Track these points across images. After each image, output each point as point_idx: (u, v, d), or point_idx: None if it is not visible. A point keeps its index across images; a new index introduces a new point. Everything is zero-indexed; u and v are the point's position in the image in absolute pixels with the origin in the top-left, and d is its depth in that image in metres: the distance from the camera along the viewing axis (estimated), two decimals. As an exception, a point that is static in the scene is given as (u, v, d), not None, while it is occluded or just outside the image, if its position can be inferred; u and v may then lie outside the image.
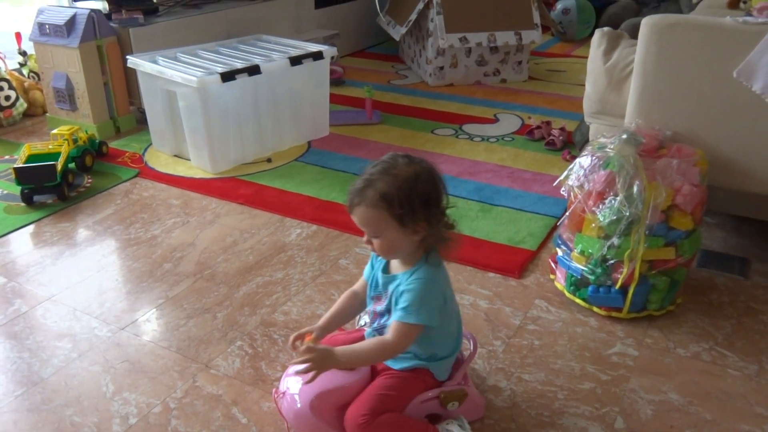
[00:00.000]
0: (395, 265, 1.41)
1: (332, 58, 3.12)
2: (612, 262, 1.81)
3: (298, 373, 1.36)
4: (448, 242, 1.36)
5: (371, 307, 1.47)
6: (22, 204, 2.56)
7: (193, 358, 1.72)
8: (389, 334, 1.35)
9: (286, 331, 1.81)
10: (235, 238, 2.30)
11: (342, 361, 1.34)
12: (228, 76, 2.67)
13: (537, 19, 3.94)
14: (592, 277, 1.85)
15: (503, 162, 2.90)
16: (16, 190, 2.58)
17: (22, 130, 3.36)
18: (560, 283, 1.97)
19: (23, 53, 3.67)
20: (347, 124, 3.32)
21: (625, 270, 1.79)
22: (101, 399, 1.60)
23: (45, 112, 3.44)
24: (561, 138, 3.05)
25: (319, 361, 1.31)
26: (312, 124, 3.12)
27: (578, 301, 1.91)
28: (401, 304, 1.33)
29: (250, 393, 1.60)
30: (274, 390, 1.45)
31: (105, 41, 3.16)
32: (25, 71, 3.67)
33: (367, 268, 1.49)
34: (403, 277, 1.36)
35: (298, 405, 1.37)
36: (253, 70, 2.76)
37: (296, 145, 3.08)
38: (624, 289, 1.82)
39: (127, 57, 2.95)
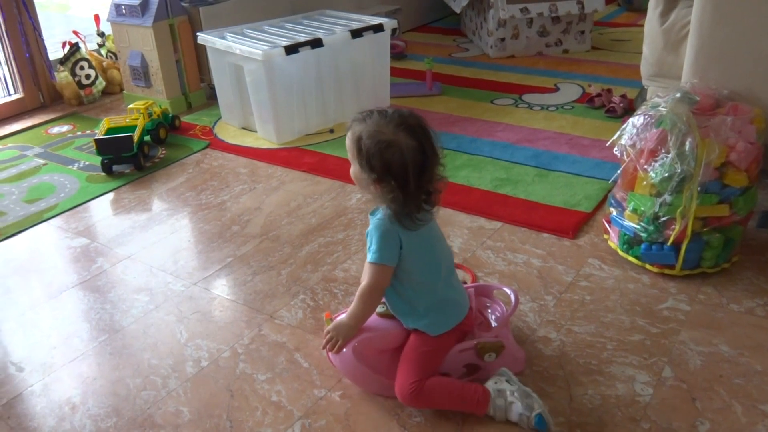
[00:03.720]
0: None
1: (393, 31, 3.19)
2: (664, 219, 1.83)
3: (330, 351, 1.50)
4: (411, 217, 1.39)
5: None
6: (103, 173, 2.74)
7: (258, 310, 1.84)
8: (364, 279, 1.46)
9: (345, 286, 1.91)
10: (299, 202, 2.41)
11: (350, 323, 1.48)
12: (291, 49, 2.78)
13: (600, -13, 3.89)
14: (644, 235, 1.87)
15: (562, 129, 2.91)
16: (98, 161, 2.76)
17: (102, 107, 3.56)
18: (613, 242, 2.00)
19: (101, 34, 3.87)
20: (408, 95, 3.39)
21: (677, 227, 1.80)
22: (176, 344, 1.73)
23: (122, 89, 3.64)
24: (622, 105, 3.03)
25: (337, 335, 1.48)
26: (373, 95, 3.20)
27: (631, 259, 1.94)
28: (367, 245, 1.45)
29: (311, 341, 1.70)
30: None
31: (177, 20, 3.31)
32: (103, 51, 3.87)
33: None
34: (371, 218, 1.45)
35: (343, 350, 1.47)
36: (316, 43, 2.86)
37: (358, 117, 3.16)
38: (677, 246, 1.83)
39: (197, 33, 3.09)
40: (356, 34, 2.99)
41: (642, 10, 5.03)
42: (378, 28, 3.05)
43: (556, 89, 3.42)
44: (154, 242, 2.22)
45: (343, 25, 3.11)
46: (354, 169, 1.42)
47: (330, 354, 1.52)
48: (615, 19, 4.79)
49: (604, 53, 3.99)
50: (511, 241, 2.10)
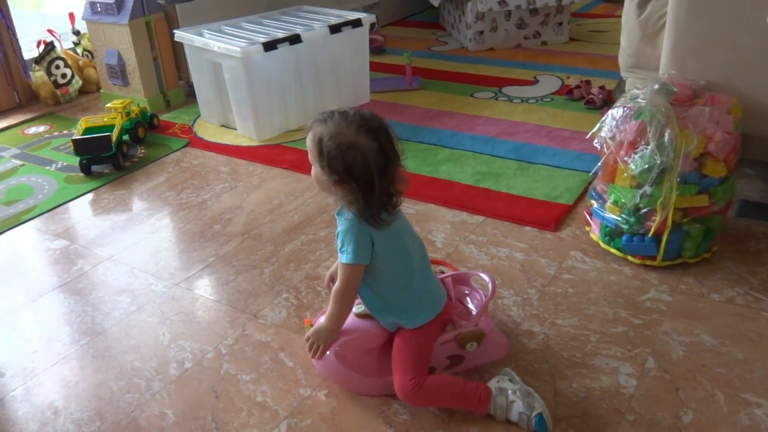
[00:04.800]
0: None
1: (372, 26, 3.18)
2: (645, 210, 1.84)
3: (313, 357, 1.51)
4: (374, 218, 1.38)
5: None
6: (81, 174, 2.71)
7: (242, 310, 1.83)
8: (337, 280, 1.46)
9: (329, 284, 1.91)
10: (281, 200, 2.39)
11: (329, 326, 1.48)
12: (270, 46, 2.76)
13: (577, -22, 3.91)
14: (625, 227, 1.88)
15: (542, 122, 2.92)
16: (76, 161, 2.73)
17: (79, 106, 3.52)
18: (595, 234, 2.01)
19: (77, 32, 3.82)
20: (388, 90, 3.39)
21: (658, 218, 1.82)
22: (159, 346, 1.72)
23: (99, 88, 3.60)
24: (600, 96, 3.05)
25: (318, 340, 1.49)
26: (353, 91, 3.20)
27: (613, 250, 1.95)
28: (338, 246, 1.44)
29: (296, 339, 1.70)
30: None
31: (153, 17, 3.28)
32: (79, 50, 3.82)
33: None
34: (339, 218, 1.45)
35: (327, 353, 1.47)
36: (294, 39, 2.84)
37: (338, 112, 3.15)
38: (658, 237, 1.85)
39: (174, 31, 3.06)
40: (335, 29, 2.97)
41: (619, 1, 5.09)
42: (356, 23, 3.04)
43: (536, 81, 3.43)
44: (135, 243, 2.20)
45: (321, 21, 3.09)
46: (315, 171, 1.41)
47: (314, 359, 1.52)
48: (592, 10, 4.82)
49: (582, 44, 4.01)
50: (494, 235, 2.10)
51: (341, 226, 1.42)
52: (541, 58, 3.80)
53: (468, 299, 1.65)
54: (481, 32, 3.95)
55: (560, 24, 4.02)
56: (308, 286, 1.91)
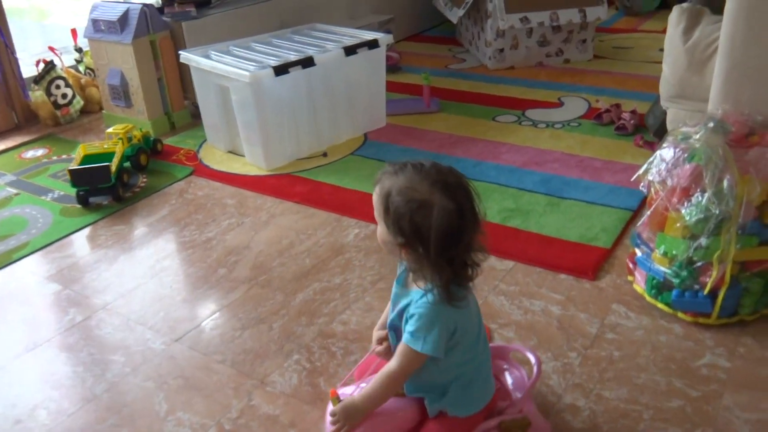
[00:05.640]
0: (410, 279, 1.28)
1: (388, 45, 3.00)
2: (699, 264, 1.65)
3: None
4: (445, 290, 1.18)
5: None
6: (78, 206, 2.54)
7: (248, 374, 1.64)
8: (394, 360, 1.25)
9: (345, 343, 1.72)
10: (291, 239, 2.21)
11: (364, 407, 1.27)
12: (281, 70, 2.58)
13: (603, -7, 3.72)
14: (676, 281, 1.69)
15: (570, 150, 2.73)
16: (73, 190, 2.55)
17: (80, 127, 3.35)
18: (640, 285, 1.82)
19: (79, 50, 3.66)
20: (405, 113, 3.20)
21: (714, 273, 1.62)
22: (155, 419, 1.53)
23: (101, 109, 3.43)
24: (632, 122, 2.85)
25: (347, 420, 1.26)
26: (368, 115, 3.01)
27: (660, 305, 1.75)
28: (409, 327, 1.22)
29: (308, 413, 1.51)
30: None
31: (158, 36, 3.11)
32: (81, 68, 3.66)
33: None
34: (416, 296, 1.23)
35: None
36: (307, 63, 2.66)
37: (353, 138, 2.97)
38: (713, 293, 1.65)
39: (180, 52, 2.89)
40: (350, 51, 2.79)
41: (641, 14, 4.89)
42: (373, 44, 2.86)
43: (561, 104, 3.24)
44: (133, 288, 2.02)
45: (335, 41, 2.91)
46: (380, 230, 1.22)
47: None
48: (614, 24, 4.61)
49: (608, 62, 3.81)
50: (526, 284, 1.91)
51: (420, 309, 1.20)
52: (565, 77, 3.60)
53: (507, 374, 1.46)
54: (501, 50, 3.76)
55: (584, 41, 3.82)
56: (321, 345, 1.72)
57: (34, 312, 1.96)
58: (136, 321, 1.87)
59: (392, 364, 1.25)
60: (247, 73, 2.50)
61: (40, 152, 3.10)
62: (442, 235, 1.13)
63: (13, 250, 2.29)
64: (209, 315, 1.87)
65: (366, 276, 1.98)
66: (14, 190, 2.73)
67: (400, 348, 1.24)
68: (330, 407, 1.30)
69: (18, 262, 2.21)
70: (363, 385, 1.31)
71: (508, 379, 1.45)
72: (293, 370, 1.64)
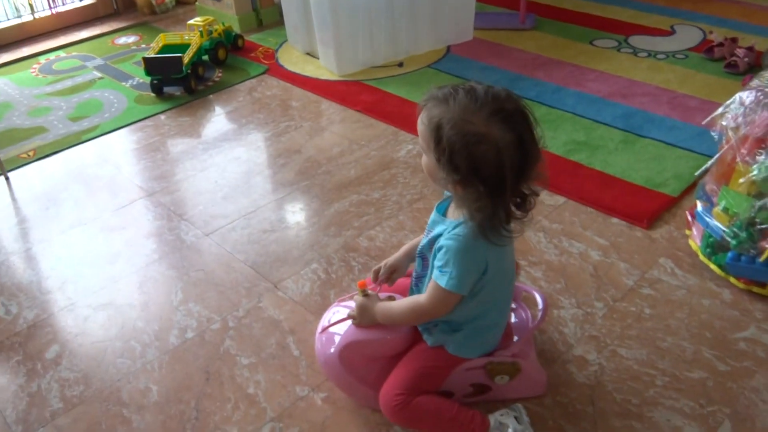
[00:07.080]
0: (452, 208, 1.18)
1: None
2: (762, 227, 1.46)
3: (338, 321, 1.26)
4: (497, 230, 1.07)
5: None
6: (152, 94, 2.59)
7: (264, 276, 1.64)
8: (425, 296, 1.16)
9: (365, 259, 1.68)
10: (343, 148, 2.16)
11: (379, 319, 1.21)
12: (360, -30, 2.46)
13: None
14: (733, 242, 1.51)
15: (667, 84, 2.47)
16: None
17: (173, 18, 3.39)
18: (695, 241, 1.64)
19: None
20: (495, 28, 3.00)
21: (776, 238, 1.44)
22: (167, 306, 1.57)
23: (196, 0, 3.44)
24: (746, 60, 2.54)
25: (358, 316, 1.23)
26: (453, 25, 2.85)
27: (713, 267, 1.58)
28: (437, 261, 1.12)
29: (310, 323, 1.49)
30: (320, 326, 1.31)
31: (251, -72, 3.05)
32: (183, -42, 3.67)
33: None
34: (450, 225, 1.13)
35: (330, 350, 1.24)
36: (389, -36, 2.52)
37: (433, 50, 2.83)
38: (772, 260, 1.47)
39: (266, -55, 2.82)
40: (438, -46, 2.62)
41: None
42: (464, -51, 2.67)
43: (672, 32, 2.93)
44: (180, 180, 2.05)
45: (425, -57, 2.74)
46: (428, 163, 1.08)
47: (318, 350, 1.29)
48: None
49: (741, -10, 3.40)
50: (572, 223, 1.77)
51: (450, 240, 1.10)
52: (686, 2, 3.25)
53: (512, 315, 1.36)
54: (619, -33, 3.42)
55: (717, -36, 3.41)
56: (342, 258, 1.69)
57: (87, 192, 2.04)
58: (176, 212, 1.91)
59: (422, 298, 1.17)
60: (323, -29, 2.41)
61: (131, 39, 3.17)
62: (503, 170, 1.01)
63: (84, 131, 2.37)
64: (243, 215, 1.88)
65: (406, 194, 1.91)
66: (99, 74, 2.82)
67: (430, 286, 1.15)
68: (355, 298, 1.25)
69: (85, 143, 2.30)
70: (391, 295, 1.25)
71: (512, 320, 1.36)
72: (307, 278, 1.62)
